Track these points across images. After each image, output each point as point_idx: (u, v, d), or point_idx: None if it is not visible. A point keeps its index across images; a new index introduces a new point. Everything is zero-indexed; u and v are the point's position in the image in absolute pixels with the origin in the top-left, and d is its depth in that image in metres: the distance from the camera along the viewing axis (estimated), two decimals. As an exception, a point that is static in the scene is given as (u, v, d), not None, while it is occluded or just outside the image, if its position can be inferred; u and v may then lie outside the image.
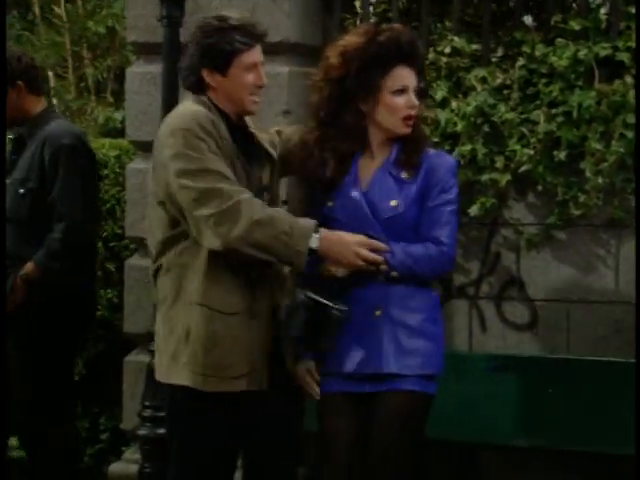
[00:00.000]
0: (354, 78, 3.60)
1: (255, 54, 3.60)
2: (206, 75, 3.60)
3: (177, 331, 3.60)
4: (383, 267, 3.58)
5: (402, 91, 3.62)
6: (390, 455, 3.54)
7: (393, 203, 3.62)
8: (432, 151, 3.74)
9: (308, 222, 3.54)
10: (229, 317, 3.55)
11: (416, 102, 3.62)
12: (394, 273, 3.59)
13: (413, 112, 3.63)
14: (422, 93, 3.68)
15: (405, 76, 3.61)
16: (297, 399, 3.71)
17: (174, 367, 3.60)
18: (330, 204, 3.67)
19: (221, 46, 3.56)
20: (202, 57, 3.58)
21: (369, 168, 3.68)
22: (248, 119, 3.74)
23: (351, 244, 3.55)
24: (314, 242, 3.51)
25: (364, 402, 3.60)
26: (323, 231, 3.54)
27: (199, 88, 3.62)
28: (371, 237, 3.56)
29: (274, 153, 3.74)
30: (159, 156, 3.59)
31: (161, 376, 3.67)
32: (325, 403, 3.64)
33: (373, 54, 3.58)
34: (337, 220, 3.65)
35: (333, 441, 3.60)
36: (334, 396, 3.61)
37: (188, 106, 3.63)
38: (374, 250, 3.55)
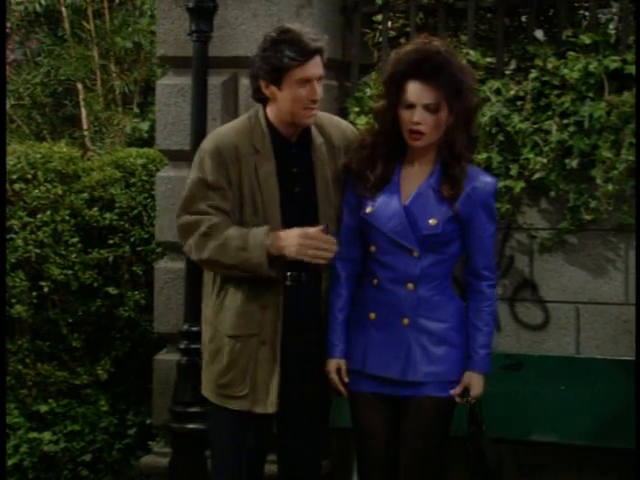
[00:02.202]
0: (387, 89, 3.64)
1: (308, 69, 3.57)
2: (263, 87, 3.64)
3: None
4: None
5: (409, 106, 3.58)
6: (418, 460, 3.66)
7: (432, 222, 3.61)
8: (472, 169, 3.69)
9: (259, 231, 3.56)
10: (231, 339, 3.65)
11: (415, 118, 3.55)
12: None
13: (415, 127, 3.56)
14: (446, 108, 3.57)
15: (412, 92, 3.56)
16: (323, 397, 3.80)
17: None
18: (369, 210, 3.64)
19: (274, 60, 3.57)
20: (259, 69, 3.62)
21: (411, 180, 3.66)
22: (324, 121, 3.75)
23: (292, 238, 3.54)
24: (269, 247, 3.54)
25: (392, 400, 3.70)
26: (272, 234, 3.55)
27: (259, 98, 3.68)
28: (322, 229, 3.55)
29: (325, 159, 3.71)
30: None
31: None
32: (358, 400, 3.73)
33: (392, 68, 3.63)
34: (373, 227, 3.65)
35: (371, 437, 3.70)
36: (365, 394, 3.70)
37: (231, 124, 3.73)
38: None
